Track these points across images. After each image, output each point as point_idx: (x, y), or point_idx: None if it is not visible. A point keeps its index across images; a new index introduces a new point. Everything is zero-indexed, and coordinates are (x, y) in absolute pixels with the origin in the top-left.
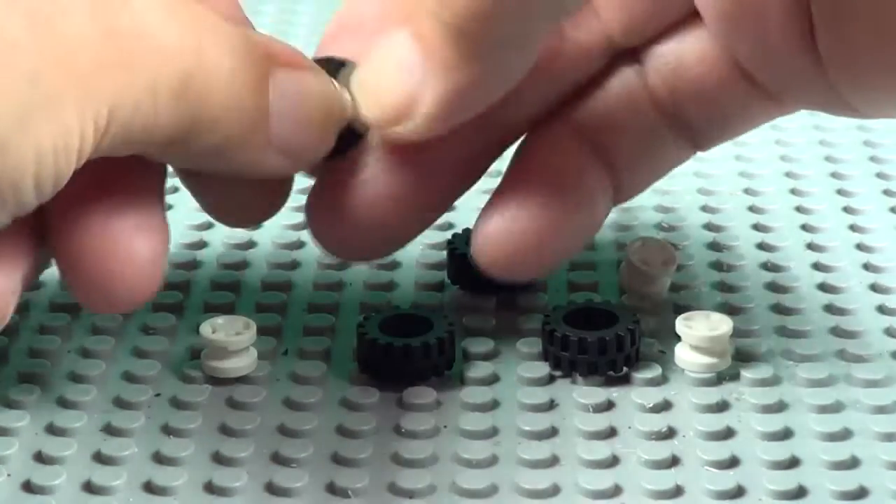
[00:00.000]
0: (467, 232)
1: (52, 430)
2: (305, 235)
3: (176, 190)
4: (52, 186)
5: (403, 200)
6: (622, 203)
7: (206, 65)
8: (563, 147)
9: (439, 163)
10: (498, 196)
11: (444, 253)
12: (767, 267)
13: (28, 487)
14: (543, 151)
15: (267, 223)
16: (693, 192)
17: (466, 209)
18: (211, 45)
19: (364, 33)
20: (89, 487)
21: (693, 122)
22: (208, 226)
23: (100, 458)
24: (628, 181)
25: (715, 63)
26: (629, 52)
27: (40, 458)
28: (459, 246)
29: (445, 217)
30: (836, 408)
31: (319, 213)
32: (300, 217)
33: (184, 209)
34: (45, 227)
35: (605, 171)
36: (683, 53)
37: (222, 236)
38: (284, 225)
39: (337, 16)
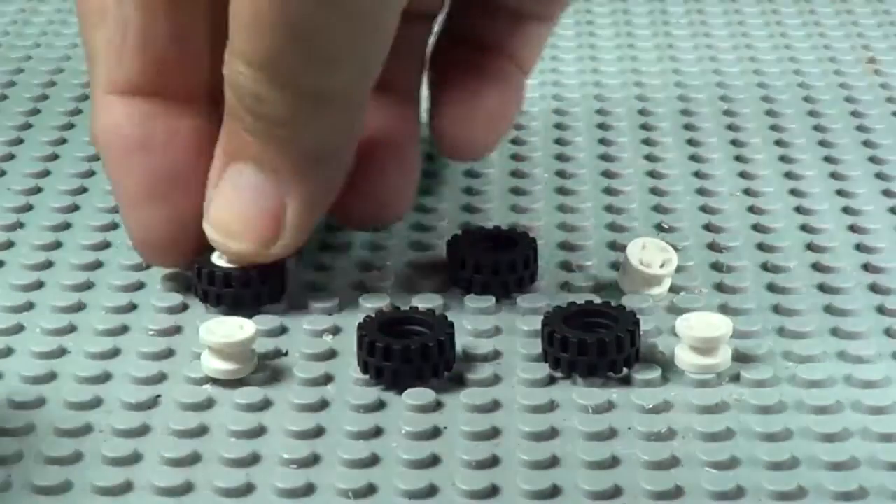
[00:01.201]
0: (467, 233)
1: (53, 430)
2: None
3: None
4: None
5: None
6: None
7: None
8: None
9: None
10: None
11: (444, 254)
12: (767, 268)
13: (30, 489)
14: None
15: None
16: (692, 192)
17: (466, 211)
18: None
19: (176, 197)
20: (90, 489)
21: None
22: None
23: (101, 460)
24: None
25: None
26: None
27: (42, 459)
28: (459, 247)
29: (446, 217)
30: (835, 409)
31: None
32: None
33: None
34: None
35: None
36: None
37: None
38: None
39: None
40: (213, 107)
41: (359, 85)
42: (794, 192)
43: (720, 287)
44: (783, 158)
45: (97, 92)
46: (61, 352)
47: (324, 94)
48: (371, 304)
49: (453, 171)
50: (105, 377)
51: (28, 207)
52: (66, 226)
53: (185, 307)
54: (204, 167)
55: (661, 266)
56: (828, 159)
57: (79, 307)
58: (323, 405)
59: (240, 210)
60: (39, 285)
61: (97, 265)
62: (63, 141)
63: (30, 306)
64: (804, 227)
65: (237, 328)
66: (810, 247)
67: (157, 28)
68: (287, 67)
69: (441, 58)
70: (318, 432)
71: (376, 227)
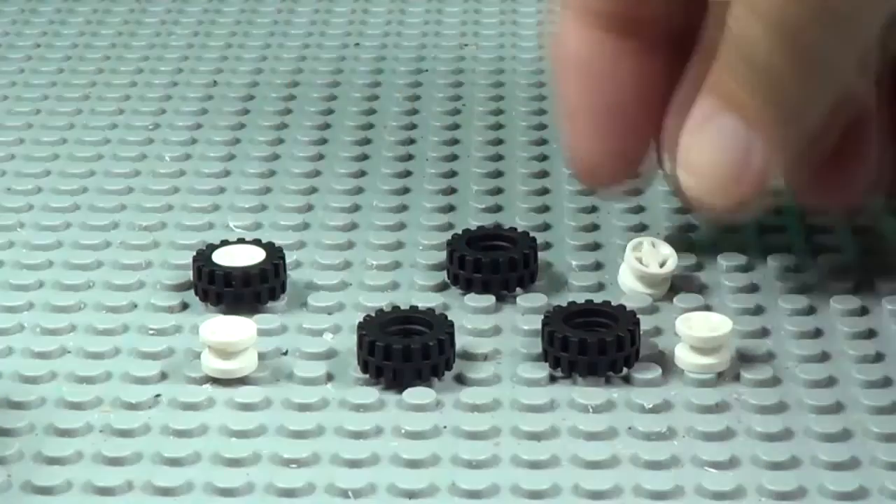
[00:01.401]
0: (467, 233)
1: (52, 430)
2: (304, 235)
3: (177, 191)
4: None
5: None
6: None
7: None
8: None
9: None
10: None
11: (444, 253)
12: (766, 267)
13: (29, 489)
14: None
15: (266, 223)
16: None
17: (466, 211)
18: None
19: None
20: (90, 488)
21: None
22: (208, 227)
23: (100, 459)
24: None
25: None
26: None
27: (41, 459)
28: (459, 247)
29: (446, 217)
30: (835, 409)
31: None
32: (298, 219)
33: (184, 212)
34: None
35: None
36: None
37: (221, 239)
38: (283, 226)
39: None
40: (677, 52)
41: (864, 53)
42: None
43: (720, 287)
44: None
45: (567, 13)
46: (61, 351)
47: (832, 60)
48: (371, 304)
49: (453, 171)
50: (105, 377)
51: (29, 207)
52: (67, 226)
53: (185, 307)
54: (656, 108)
55: (662, 266)
56: None
57: (78, 307)
58: (323, 404)
59: (726, 165)
60: (39, 285)
61: (97, 265)
62: (63, 141)
63: (30, 306)
64: (803, 228)
65: (237, 327)
66: (810, 247)
67: None
68: (803, 31)
69: None
70: (317, 432)
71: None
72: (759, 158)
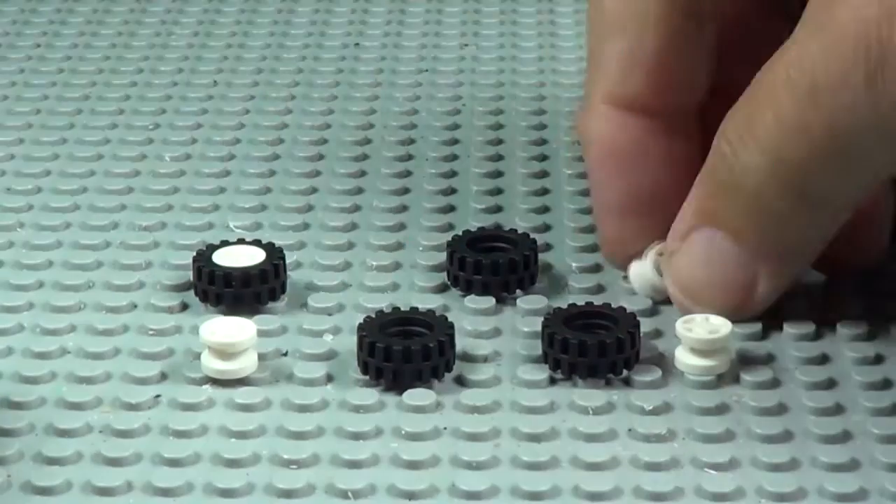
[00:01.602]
0: (467, 234)
1: (52, 431)
2: (304, 236)
3: (177, 191)
4: None
5: None
6: None
7: None
8: None
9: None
10: None
11: (444, 255)
12: None
13: (29, 489)
14: None
15: (266, 223)
16: None
17: (466, 212)
18: None
19: (653, 215)
20: (90, 489)
21: None
22: (208, 227)
23: (100, 460)
24: None
25: None
26: None
27: (41, 459)
28: (459, 248)
29: (446, 218)
30: (835, 411)
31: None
32: (298, 219)
33: (184, 212)
34: None
35: None
36: None
37: (221, 239)
38: (283, 226)
39: (622, 187)
40: (701, 126)
41: (859, 195)
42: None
43: None
44: None
45: (595, 99)
46: (61, 352)
47: (828, 207)
48: (371, 305)
49: (453, 171)
50: (104, 377)
51: (29, 207)
52: (67, 226)
53: (185, 307)
54: (687, 187)
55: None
56: None
57: (78, 307)
58: (323, 405)
59: (709, 277)
60: (39, 285)
61: (97, 265)
62: (63, 141)
63: (29, 306)
64: None
65: (237, 328)
66: None
67: (670, 51)
68: (800, 172)
69: None
70: (317, 433)
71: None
72: (746, 276)
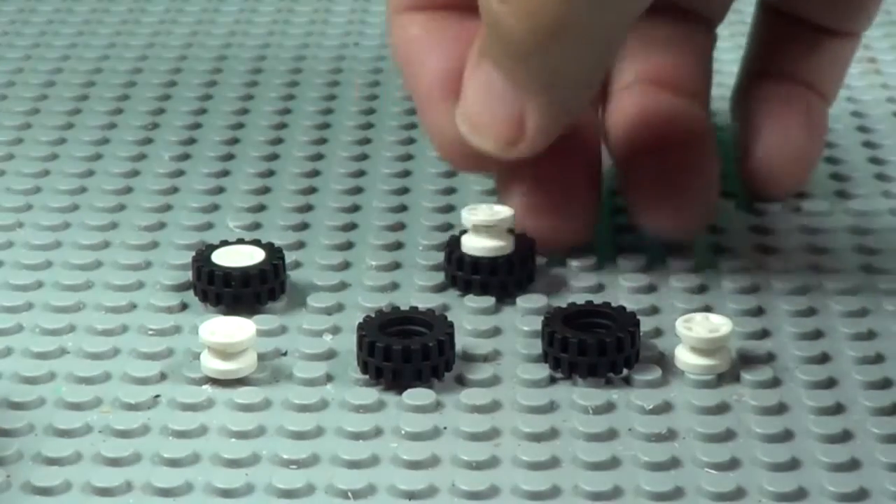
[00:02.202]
0: (467, 232)
1: (52, 431)
2: (303, 236)
3: (176, 191)
4: None
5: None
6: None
7: None
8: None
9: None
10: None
11: (444, 254)
12: (766, 269)
13: (29, 489)
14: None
15: (265, 223)
16: None
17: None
18: None
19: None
20: (89, 489)
21: None
22: (207, 227)
23: (100, 460)
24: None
25: None
26: None
27: (40, 459)
28: (459, 247)
29: (445, 218)
30: (835, 410)
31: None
32: (299, 218)
33: (184, 212)
34: None
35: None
36: None
37: (221, 239)
38: (282, 226)
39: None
40: None
41: (597, 18)
42: (794, 194)
43: (719, 288)
44: None
45: (390, 13)
46: (60, 352)
47: (561, 26)
48: (371, 304)
49: (452, 171)
50: (104, 377)
51: (28, 207)
52: (66, 226)
53: (184, 307)
54: None
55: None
56: (829, 160)
57: (78, 307)
58: (322, 405)
59: (485, 107)
60: (38, 285)
61: (96, 265)
62: (63, 141)
63: (29, 306)
64: (803, 229)
65: (237, 328)
66: (810, 248)
67: None
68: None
69: (744, 97)
70: (317, 432)
71: (684, 237)
72: (513, 108)
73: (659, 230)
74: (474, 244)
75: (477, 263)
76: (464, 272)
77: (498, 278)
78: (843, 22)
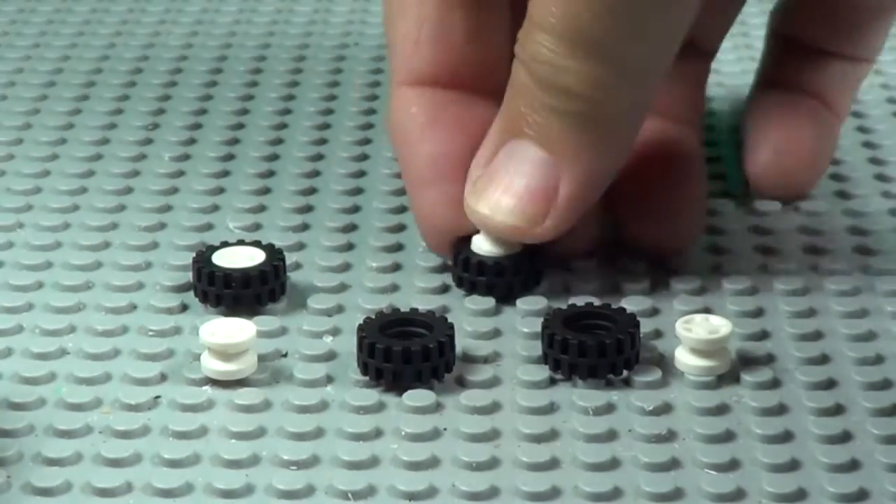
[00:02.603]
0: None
1: (52, 431)
2: (305, 237)
3: (176, 191)
4: None
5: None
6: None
7: None
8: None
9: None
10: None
11: (444, 256)
12: (766, 270)
13: (29, 490)
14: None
15: (265, 224)
16: None
17: None
18: None
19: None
20: (90, 490)
21: None
22: (208, 228)
23: (100, 461)
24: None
25: None
26: None
27: (41, 460)
28: (460, 248)
29: None
30: (835, 411)
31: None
32: (299, 219)
33: (184, 212)
34: None
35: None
36: None
37: (221, 240)
38: (283, 227)
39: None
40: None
41: (662, 57)
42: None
43: (719, 289)
44: None
45: (393, 83)
46: (61, 352)
47: (627, 65)
48: (371, 305)
49: None
50: (104, 378)
51: (28, 207)
52: (66, 226)
53: (184, 308)
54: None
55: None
56: None
57: (78, 308)
58: (322, 406)
59: (512, 186)
60: (38, 286)
61: (96, 265)
62: (63, 141)
63: (29, 307)
64: (803, 230)
65: (237, 329)
66: (810, 249)
67: (453, 23)
68: (593, 36)
69: (755, 104)
70: (317, 433)
71: (664, 255)
72: (548, 180)
73: (644, 244)
74: (483, 246)
75: (482, 264)
76: (470, 273)
77: (505, 279)
78: (849, 48)
